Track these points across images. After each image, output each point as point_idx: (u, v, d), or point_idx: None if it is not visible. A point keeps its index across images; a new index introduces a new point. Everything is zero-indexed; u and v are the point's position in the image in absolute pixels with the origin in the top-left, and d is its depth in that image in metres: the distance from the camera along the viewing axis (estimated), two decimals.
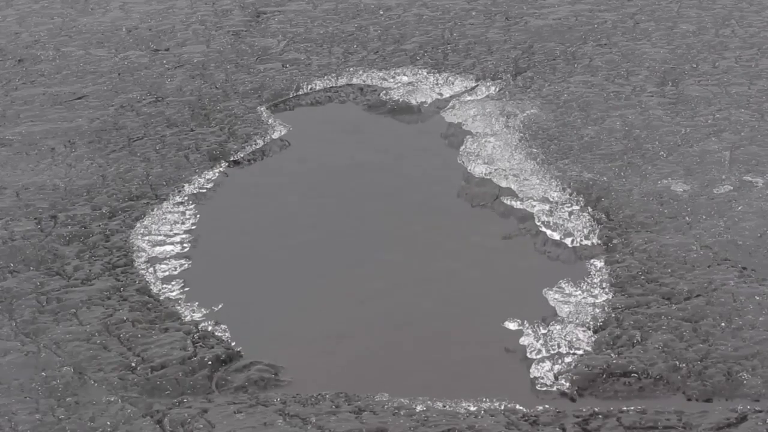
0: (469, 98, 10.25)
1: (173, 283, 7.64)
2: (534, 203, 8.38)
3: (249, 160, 9.47)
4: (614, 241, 7.78)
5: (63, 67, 11.20)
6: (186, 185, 8.89)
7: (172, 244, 8.11)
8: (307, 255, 8.04)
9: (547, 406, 6.34)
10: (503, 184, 8.72)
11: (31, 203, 8.54)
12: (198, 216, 8.50)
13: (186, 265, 7.87)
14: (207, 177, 9.07)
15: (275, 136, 9.80)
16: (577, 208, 8.23)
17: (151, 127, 9.79)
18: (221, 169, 9.24)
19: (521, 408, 6.30)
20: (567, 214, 8.18)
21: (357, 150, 9.71)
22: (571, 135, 9.26)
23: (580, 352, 6.72)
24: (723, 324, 6.81)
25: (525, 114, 9.67)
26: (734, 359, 6.53)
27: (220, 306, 7.34)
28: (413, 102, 10.32)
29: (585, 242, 7.90)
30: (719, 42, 11.00)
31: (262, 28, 12.04)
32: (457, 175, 8.96)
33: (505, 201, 8.50)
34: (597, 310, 7.05)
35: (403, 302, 7.44)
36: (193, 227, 8.36)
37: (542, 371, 6.61)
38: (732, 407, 6.24)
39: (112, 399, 6.43)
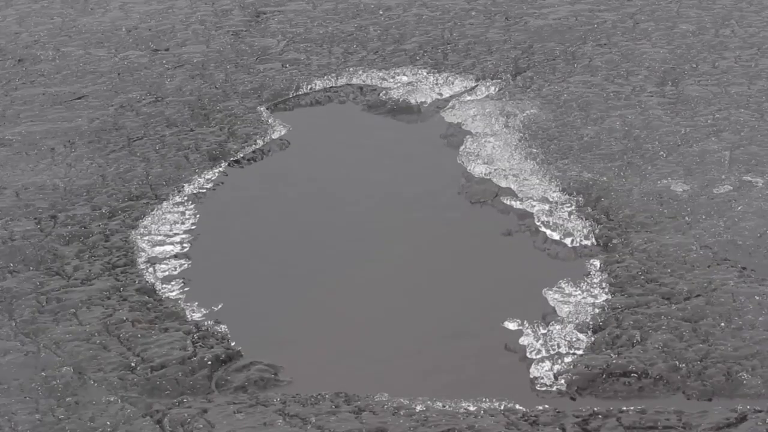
0: (468, 98, 10.25)
1: (173, 283, 7.65)
2: (534, 203, 8.37)
3: (249, 160, 9.47)
4: (614, 241, 7.78)
5: (63, 67, 11.20)
6: (186, 185, 8.89)
7: (172, 244, 8.11)
8: (306, 254, 8.04)
9: (546, 406, 6.34)
10: (503, 183, 8.72)
11: (31, 203, 8.54)
12: (198, 216, 8.50)
13: (186, 265, 7.87)
14: (207, 177, 9.07)
15: (275, 136, 9.79)
16: (577, 208, 8.23)
17: (150, 127, 9.79)
18: (221, 169, 9.24)
19: (521, 408, 6.30)
20: (566, 213, 8.17)
21: (356, 150, 9.71)
22: (570, 135, 9.25)
23: (580, 352, 6.72)
24: (723, 324, 6.81)
25: (525, 114, 9.67)
26: (734, 359, 6.52)
27: (220, 306, 7.34)
28: (413, 102, 10.31)
29: (585, 242, 7.90)
30: (719, 42, 10.99)
31: (262, 28, 12.04)
32: (457, 175, 8.96)
33: (504, 201, 8.51)
34: (597, 310, 7.05)
35: (403, 302, 7.44)
36: (193, 227, 8.36)
37: (542, 371, 6.61)
38: (732, 407, 6.23)
39: (112, 399, 6.42)
